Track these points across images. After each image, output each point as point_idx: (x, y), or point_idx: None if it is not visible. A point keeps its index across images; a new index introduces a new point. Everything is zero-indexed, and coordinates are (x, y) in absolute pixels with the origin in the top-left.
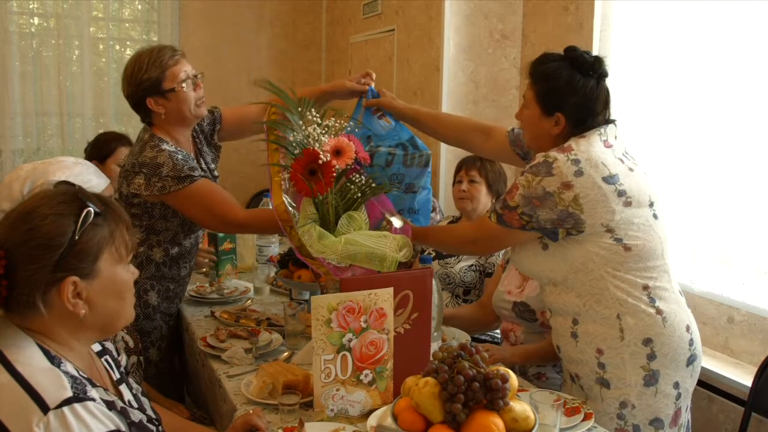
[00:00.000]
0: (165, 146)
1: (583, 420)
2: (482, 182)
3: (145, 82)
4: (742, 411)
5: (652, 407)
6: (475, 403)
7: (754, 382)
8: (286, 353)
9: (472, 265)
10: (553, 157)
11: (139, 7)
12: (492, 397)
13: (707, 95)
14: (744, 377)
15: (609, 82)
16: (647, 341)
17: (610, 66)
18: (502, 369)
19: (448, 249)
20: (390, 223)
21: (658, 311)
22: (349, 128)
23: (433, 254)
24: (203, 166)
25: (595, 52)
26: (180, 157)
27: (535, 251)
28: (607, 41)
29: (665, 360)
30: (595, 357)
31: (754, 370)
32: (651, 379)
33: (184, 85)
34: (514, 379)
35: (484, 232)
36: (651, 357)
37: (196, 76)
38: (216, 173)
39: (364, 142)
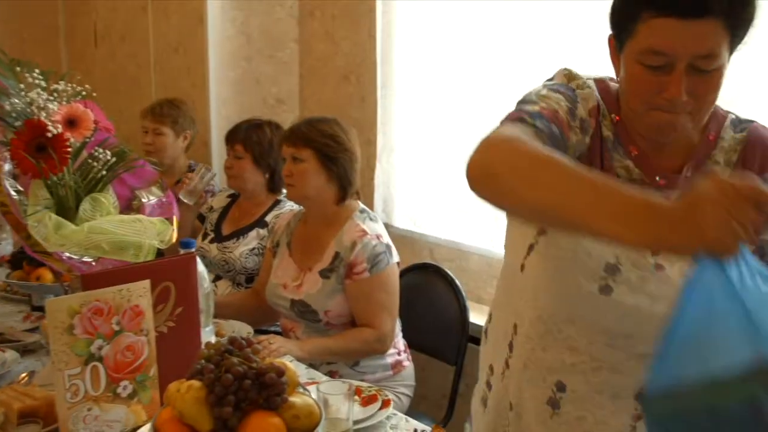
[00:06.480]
0: None
1: (381, 408)
2: (247, 157)
3: None
4: None
5: None
6: (249, 403)
7: None
8: (24, 374)
9: (254, 249)
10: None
11: None
12: (267, 394)
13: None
14: None
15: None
16: None
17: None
18: (277, 361)
19: None
20: (141, 201)
21: None
22: None
23: (211, 235)
24: None
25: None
26: None
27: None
28: None
29: None
30: None
31: None
32: None
33: None
34: (292, 371)
35: None
36: None
37: None
38: None
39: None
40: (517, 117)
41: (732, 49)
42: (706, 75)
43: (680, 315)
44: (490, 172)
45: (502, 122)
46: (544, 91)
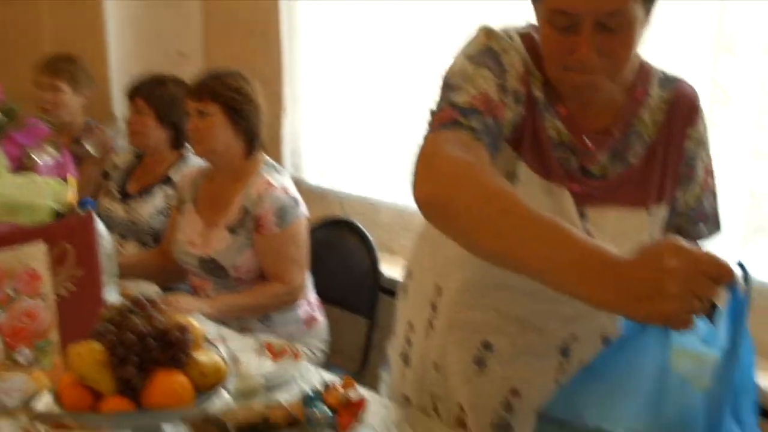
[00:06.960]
0: None
1: (291, 362)
2: (150, 113)
3: None
4: None
5: None
6: (153, 363)
7: None
8: None
9: (161, 209)
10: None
11: None
12: (172, 353)
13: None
14: None
15: None
16: None
17: None
18: (182, 319)
19: None
20: (33, 160)
21: None
22: None
23: (116, 194)
24: None
25: None
26: None
27: None
28: None
29: None
30: None
31: None
32: None
33: None
34: (197, 327)
35: None
36: None
37: None
38: None
39: None
40: (450, 119)
41: (648, 4)
42: (618, 33)
43: (608, 356)
44: (448, 212)
45: (435, 124)
46: (470, 69)
